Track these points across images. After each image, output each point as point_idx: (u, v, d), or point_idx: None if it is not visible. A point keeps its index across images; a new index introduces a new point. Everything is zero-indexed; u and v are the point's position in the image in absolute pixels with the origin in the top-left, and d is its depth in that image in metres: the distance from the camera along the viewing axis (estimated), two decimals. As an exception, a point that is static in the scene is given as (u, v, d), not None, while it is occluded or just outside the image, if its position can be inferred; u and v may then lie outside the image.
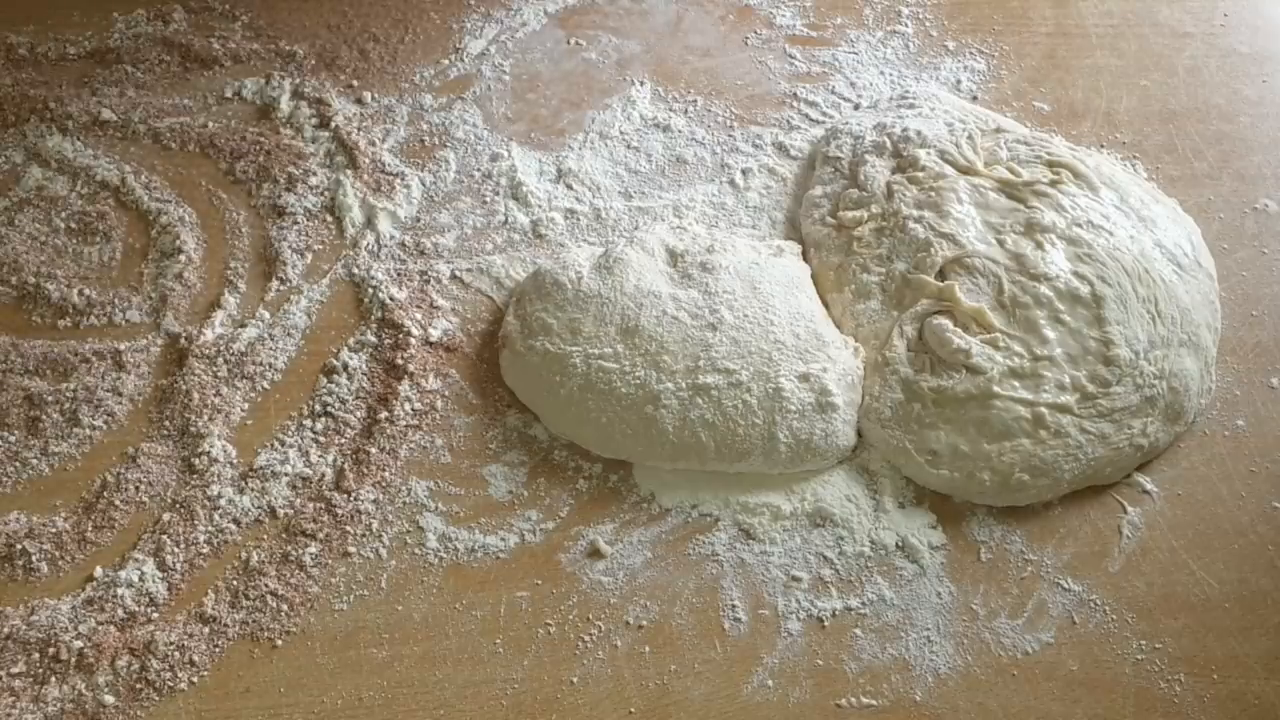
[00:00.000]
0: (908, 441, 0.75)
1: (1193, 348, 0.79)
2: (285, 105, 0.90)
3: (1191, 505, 0.76)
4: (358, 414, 0.77)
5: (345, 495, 0.74)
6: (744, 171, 0.90)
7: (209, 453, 0.75)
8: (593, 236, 0.86)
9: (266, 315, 0.81)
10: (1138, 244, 0.81)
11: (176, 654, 0.68)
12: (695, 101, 0.94)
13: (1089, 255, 0.79)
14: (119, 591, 0.69)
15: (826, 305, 0.82)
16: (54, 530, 0.71)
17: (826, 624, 0.71)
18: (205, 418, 0.76)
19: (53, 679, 0.66)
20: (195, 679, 0.67)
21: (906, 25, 0.99)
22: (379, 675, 0.68)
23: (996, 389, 0.74)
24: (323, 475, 0.75)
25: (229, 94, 0.91)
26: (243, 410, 0.77)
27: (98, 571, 0.70)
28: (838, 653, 0.70)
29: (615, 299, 0.76)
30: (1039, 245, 0.79)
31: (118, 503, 0.72)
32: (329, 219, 0.85)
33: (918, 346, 0.77)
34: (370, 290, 0.82)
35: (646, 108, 0.93)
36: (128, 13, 0.96)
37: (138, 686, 0.67)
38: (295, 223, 0.85)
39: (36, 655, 0.67)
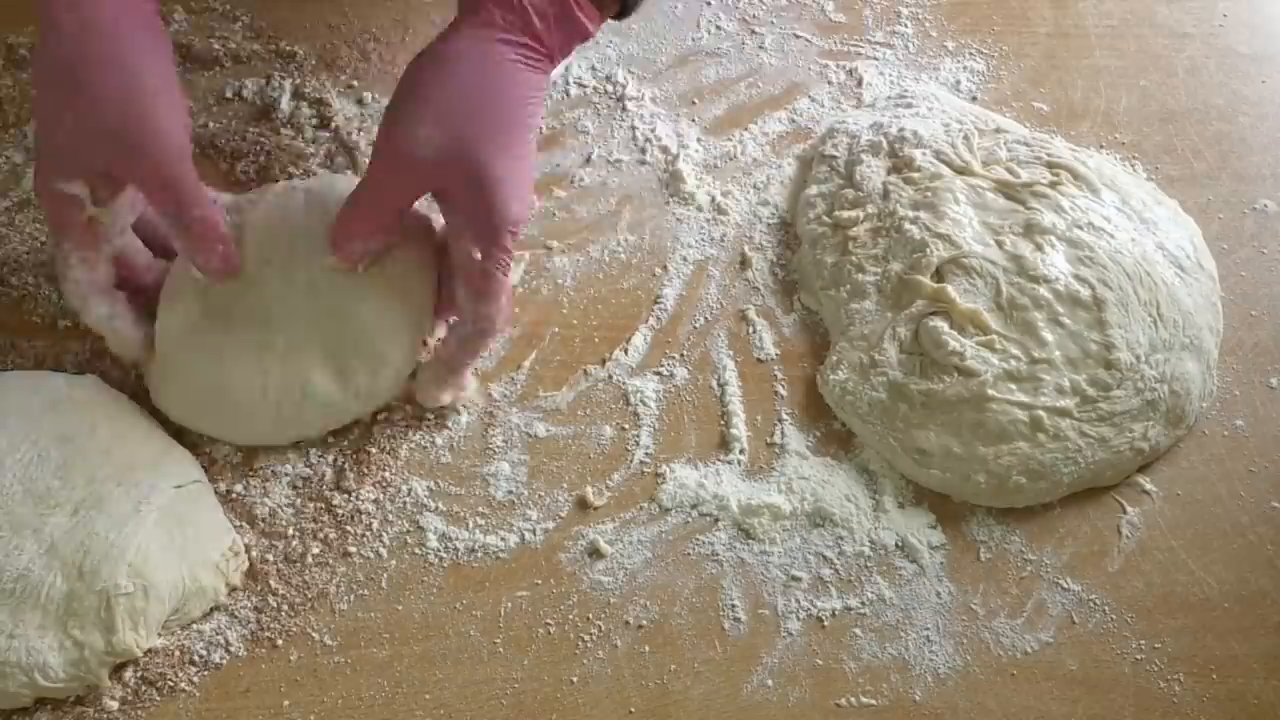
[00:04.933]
0: (892, 438, 0.75)
1: (1194, 351, 0.79)
2: (285, 105, 0.90)
3: (1191, 505, 0.76)
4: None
5: (345, 495, 0.74)
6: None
7: (209, 453, 0.75)
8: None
9: (267, 315, 0.81)
10: (1139, 246, 0.81)
11: (177, 653, 0.68)
12: (694, 102, 0.94)
13: (1090, 258, 0.79)
14: (119, 591, 0.69)
15: (821, 303, 0.82)
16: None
17: (826, 624, 0.71)
18: (205, 418, 0.76)
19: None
20: (196, 678, 0.67)
21: (906, 25, 0.99)
22: (379, 675, 0.68)
23: (991, 392, 0.75)
24: (323, 475, 0.75)
25: (229, 94, 0.91)
26: (243, 410, 0.77)
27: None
28: (837, 652, 0.70)
29: None
30: (1038, 247, 0.79)
31: (118, 503, 0.72)
32: (329, 219, 0.85)
33: (912, 347, 0.77)
34: (370, 290, 0.82)
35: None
36: (128, 13, 0.95)
37: (139, 687, 0.67)
38: (295, 223, 0.84)
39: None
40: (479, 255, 0.71)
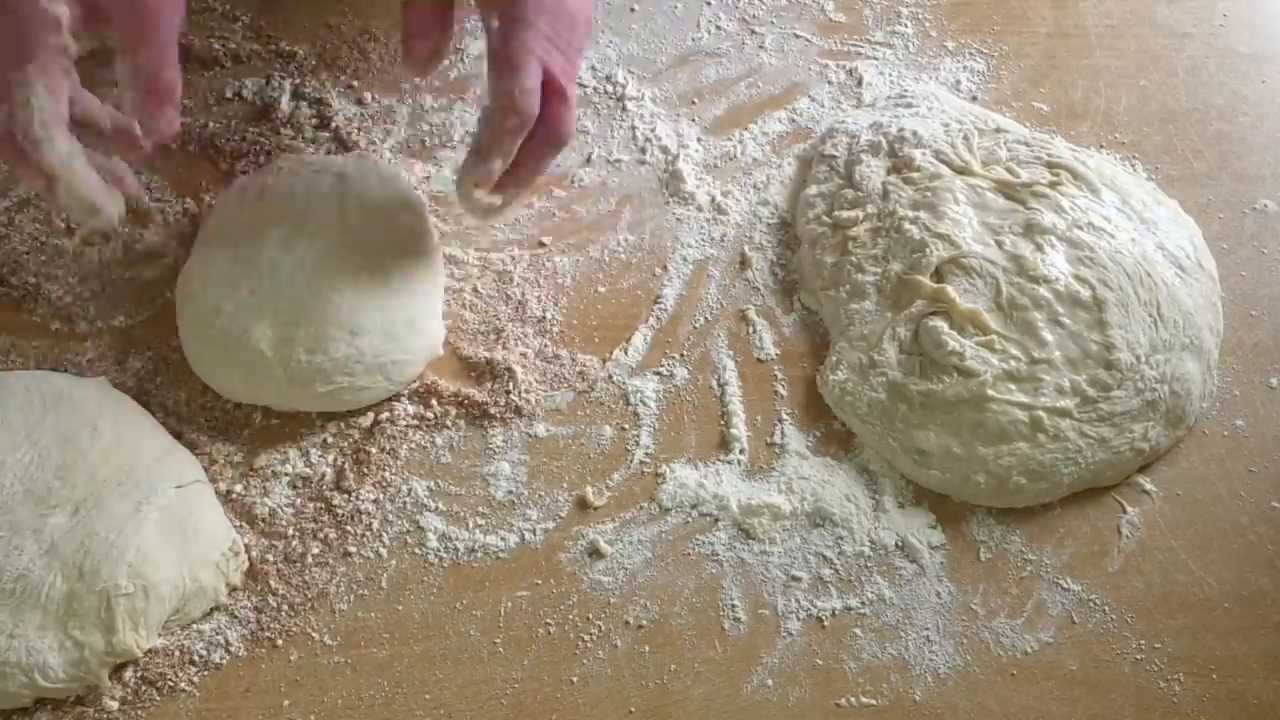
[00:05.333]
0: (891, 439, 0.75)
1: (1195, 351, 0.79)
2: (285, 105, 0.90)
3: (1191, 505, 0.76)
4: (358, 413, 0.77)
5: (345, 495, 0.74)
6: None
7: (209, 453, 0.75)
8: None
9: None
10: (1139, 246, 0.81)
11: (177, 653, 0.68)
12: (693, 102, 0.94)
13: (1090, 258, 0.79)
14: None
15: (821, 303, 0.82)
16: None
17: (826, 624, 0.71)
18: (205, 418, 0.76)
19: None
20: (196, 678, 0.67)
21: (906, 25, 0.99)
22: (379, 675, 0.68)
23: (991, 392, 0.75)
24: (323, 475, 0.75)
25: (229, 94, 0.91)
26: (243, 410, 0.77)
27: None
28: (837, 652, 0.70)
29: None
30: (1038, 247, 0.79)
31: (118, 503, 0.72)
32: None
33: (912, 348, 0.77)
34: (370, 290, 0.82)
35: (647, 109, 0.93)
36: (128, 13, 0.95)
37: (139, 687, 0.67)
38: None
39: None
40: (495, 23, 0.70)
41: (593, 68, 0.94)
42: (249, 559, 0.71)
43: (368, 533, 0.73)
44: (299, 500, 0.74)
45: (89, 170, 0.67)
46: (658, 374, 0.80)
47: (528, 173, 0.75)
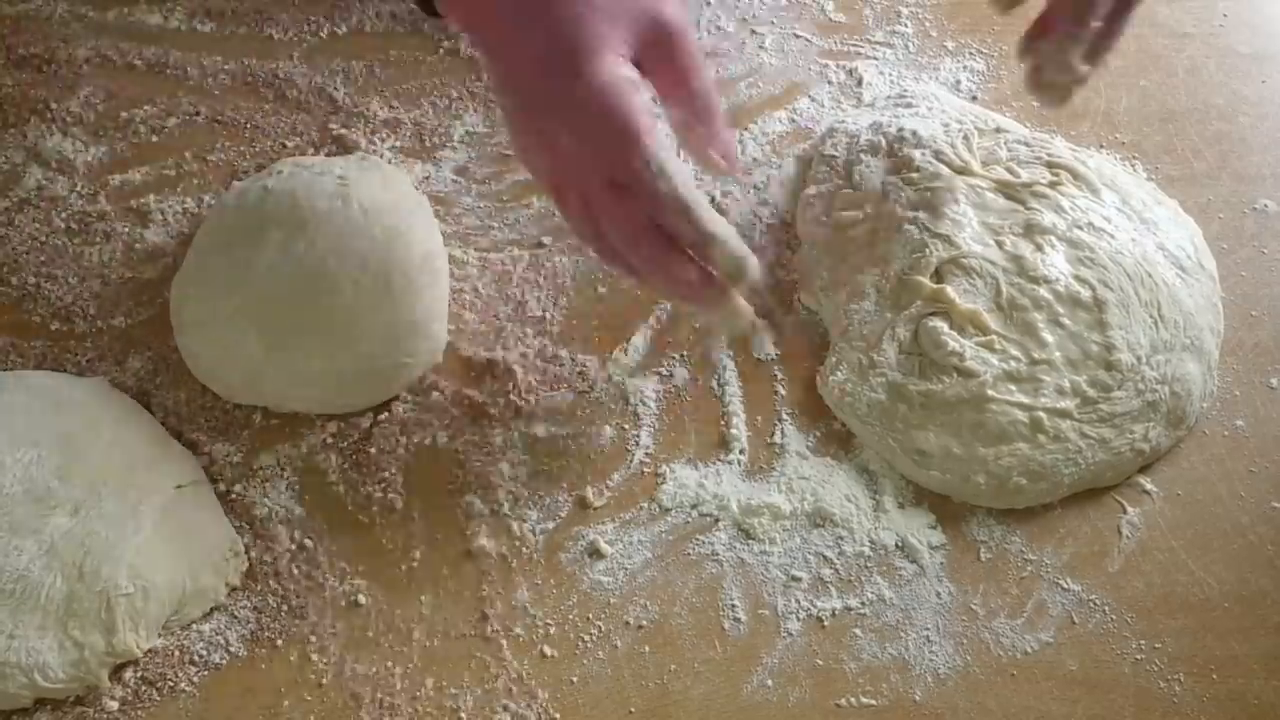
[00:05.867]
0: (891, 439, 0.75)
1: (1195, 351, 0.79)
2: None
3: (1191, 505, 0.76)
4: (358, 413, 0.77)
5: (345, 495, 0.74)
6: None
7: (209, 453, 0.75)
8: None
9: (267, 315, 0.81)
10: (1140, 247, 0.81)
11: (177, 653, 0.68)
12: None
13: (1090, 259, 0.79)
14: (119, 591, 0.69)
15: (821, 304, 0.82)
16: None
17: (826, 624, 0.71)
18: (205, 418, 0.76)
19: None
20: (196, 678, 0.67)
21: (906, 25, 0.99)
22: (379, 675, 0.68)
23: (991, 393, 0.74)
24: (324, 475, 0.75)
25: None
26: (243, 410, 0.77)
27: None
28: (837, 652, 0.70)
29: None
30: (1038, 247, 0.79)
31: (118, 503, 0.72)
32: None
33: (912, 348, 0.77)
34: (370, 290, 0.82)
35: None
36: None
37: (139, 687, 0.67)
38: (296, 223, 0.85)
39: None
40: None
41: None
42: (249, 559, 0.71)
43: (368, 533, 0.73)
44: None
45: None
46: (658, 374, 0.80)
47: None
